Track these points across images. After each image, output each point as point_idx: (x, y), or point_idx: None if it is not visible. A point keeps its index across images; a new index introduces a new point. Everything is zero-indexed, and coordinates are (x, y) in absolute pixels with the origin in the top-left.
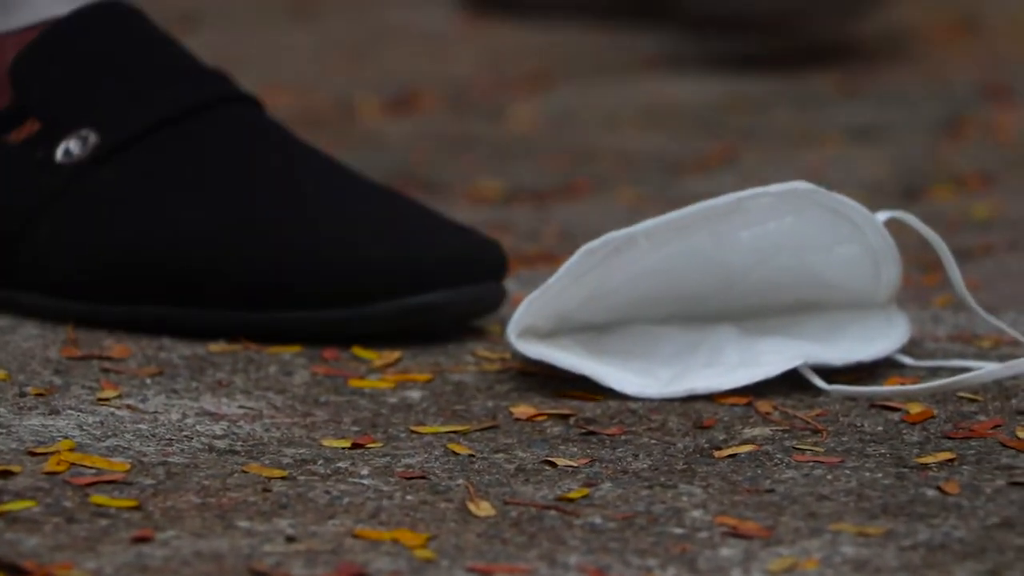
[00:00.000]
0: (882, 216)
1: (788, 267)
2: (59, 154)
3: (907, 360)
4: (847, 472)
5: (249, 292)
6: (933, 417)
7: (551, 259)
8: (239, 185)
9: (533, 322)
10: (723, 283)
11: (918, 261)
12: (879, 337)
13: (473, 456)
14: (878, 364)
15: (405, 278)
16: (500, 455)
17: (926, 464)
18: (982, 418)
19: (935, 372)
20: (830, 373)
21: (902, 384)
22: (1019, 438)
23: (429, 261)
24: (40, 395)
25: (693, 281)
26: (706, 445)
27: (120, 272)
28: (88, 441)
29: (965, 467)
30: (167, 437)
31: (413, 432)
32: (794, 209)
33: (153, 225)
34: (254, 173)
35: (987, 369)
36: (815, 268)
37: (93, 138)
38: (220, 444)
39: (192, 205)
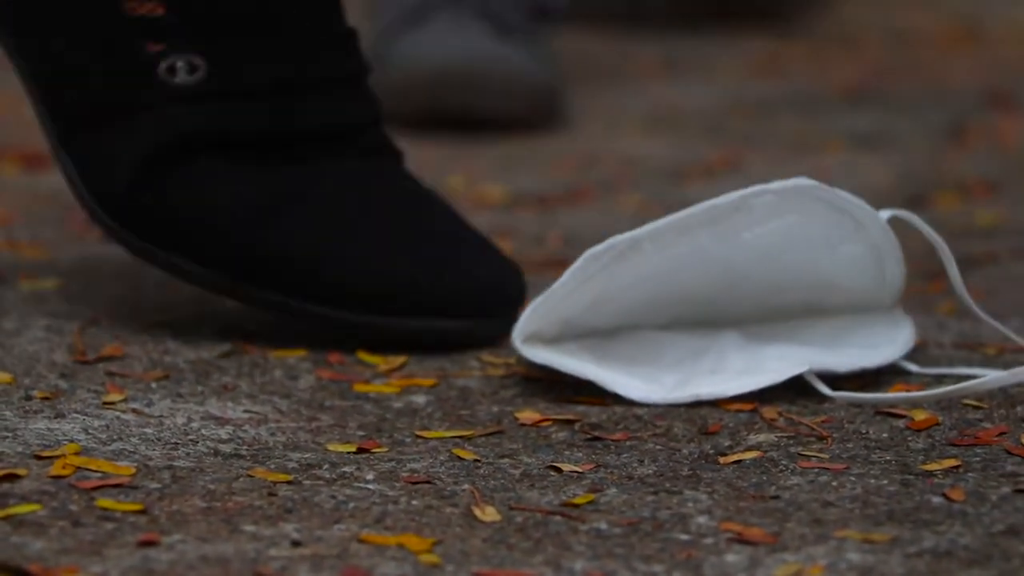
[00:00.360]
0: (884, 215)
1: (791, 268)
2: (162, 69)
3: (912, 367)
4: (852, 479)
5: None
6: (938, 424)
7: (556, 264)
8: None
9: (539, 327)
10: (727, 285)
11: (923, 269)
12: (884, 344)
13: (478, 461)
14: (883, 371)
15: (429, 301)
16: (505, 460)
17: (931, 471)
18: (987, 425)
19: (940, 379)
20: (835, 379)
21: (907, 391)
22: None
23: (458, 290)
24: (46, 399)
25: (696, 282)
26: (711, 451)
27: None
28: (94, 445)
29: (970, 474)
30: (172, 441)
31: (418, 437)
32: (797, 207)
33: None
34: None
35: (991, 376)
36: (819, 268)
37: (201, 72)
38: (225, 448)
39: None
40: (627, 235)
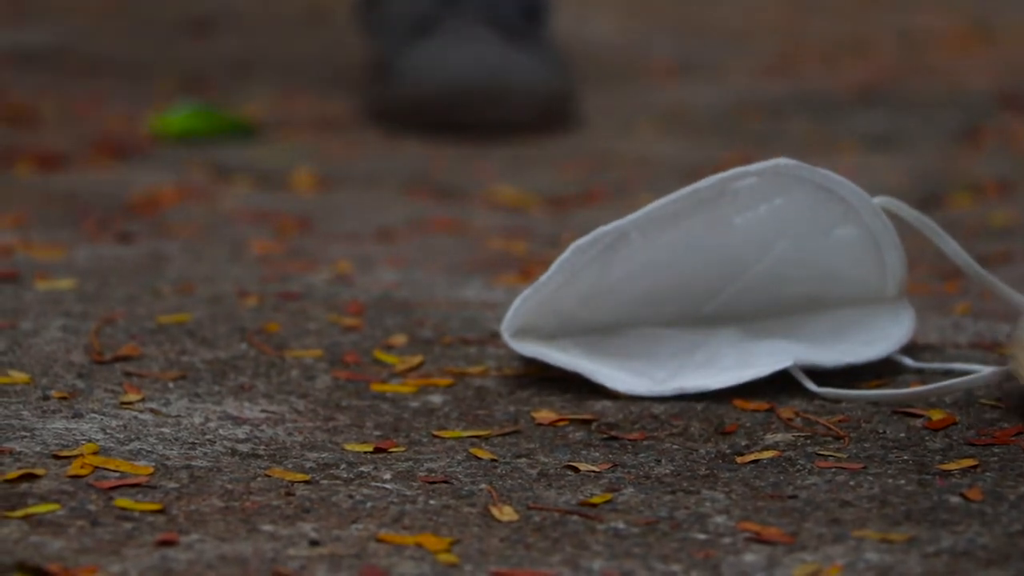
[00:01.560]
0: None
1: (789, 258)
2: None
3: (908, 361)
4: (870, 478)
5: None
6: (955, 424)
7: None
8: None
9: (535, 323)
10: (725, 276)
11: (938, 270)
12: (879, 339)
13: (496, 461)
14: (883, 365)
15: None
16: (523, 460)
17: (949, 471)
18: (1005, 425)
19: (948, 373)
20: (847, 376)
21: (920, 387)
22: None
23: None
24: (63, 398)
25: (694, 273)
26: (728, 451)
27: None
28: (111, 444)
29: (988, 474)
30: (190, 441)
31: (435, 437)
32: (782, 189)
33: None
34: None
35: (982, 373)
36: (817, 256)
37: None
38: (243, 448)
39: None
40: (613, 225)
